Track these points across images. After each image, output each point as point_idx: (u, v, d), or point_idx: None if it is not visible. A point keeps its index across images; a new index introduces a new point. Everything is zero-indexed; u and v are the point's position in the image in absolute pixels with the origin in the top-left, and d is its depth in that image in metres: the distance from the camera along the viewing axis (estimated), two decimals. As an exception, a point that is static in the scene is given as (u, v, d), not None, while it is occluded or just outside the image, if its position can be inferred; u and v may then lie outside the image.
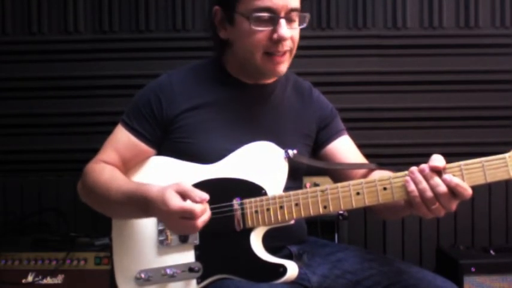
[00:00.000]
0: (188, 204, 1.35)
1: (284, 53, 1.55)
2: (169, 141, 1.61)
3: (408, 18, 2.89)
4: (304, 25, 1.59)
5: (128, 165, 1.62)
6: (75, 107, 2.84)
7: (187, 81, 1.64)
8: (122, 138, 1.62)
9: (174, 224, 1.39)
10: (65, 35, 2.85)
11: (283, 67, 1.58)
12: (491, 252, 2.56)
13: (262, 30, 1.52)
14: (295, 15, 1.55)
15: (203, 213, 1.36)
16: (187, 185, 1.38)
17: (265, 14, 1.51)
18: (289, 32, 1.53)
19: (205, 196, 1.36)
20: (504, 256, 2.51)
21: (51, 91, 2.84)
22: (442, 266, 2.65)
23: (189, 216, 1.35)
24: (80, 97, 2.85)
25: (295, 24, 1.57)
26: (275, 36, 1.52)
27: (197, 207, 1.34)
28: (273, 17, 1.51)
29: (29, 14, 2.85)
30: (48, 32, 2.85)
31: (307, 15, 1.58)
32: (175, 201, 1.35)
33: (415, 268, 1.54)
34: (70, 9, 2.85)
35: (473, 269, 2.40)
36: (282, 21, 1.51)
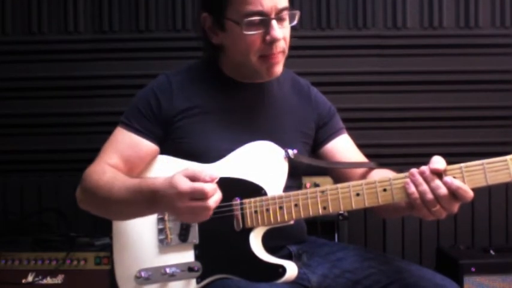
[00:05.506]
0: (198, 184, 1.30)
1: (278, 53, 1.55)
2: (170, 141, 1.61)
3: (408, 18, 2.89)
4: (295, 22, 1.58)
5: (132, 167, 1.58)
6: (75, 107, 2.84)
7: (185, 82, 1.64)
8: (123, 139, 1.60)
9: (185, 209, 1.31)
10: (65, 35, 2.86)
11: (279, 68, 1.58)
12: (491, 252, 2.55)
13: (255, 34, 1.52)
14: (285, 14, 1.54)
15: (214, 192, 1.30)
16: (196, 168, 1.34)
17: (256, 18, 1.50)
18: (282, 32, 1.52)
19: (216, 175, 1.31)
20: (504, 256, 2.51)
21: (51, 91, 2.85)
22: (442, 266, 2.64)
23: (199, 196, 1.29)
24: (80, 97, 2.85)
25: (286, 23, 1.56)
26: (268, 38, 1.51)
27: (207, 186, 1.29)
28: (264, 19, 1.51)
29: (29, 14, 2.85)
30: (48, 32, 2.85)
31: (297, 13, 1.58)
32: (185, 182, 1.30)
33: (414, 266, 1.53)
34: (70, 9, 2.85)
35: (473, 269, 2.40)
36: (274, 23, 1.51)
